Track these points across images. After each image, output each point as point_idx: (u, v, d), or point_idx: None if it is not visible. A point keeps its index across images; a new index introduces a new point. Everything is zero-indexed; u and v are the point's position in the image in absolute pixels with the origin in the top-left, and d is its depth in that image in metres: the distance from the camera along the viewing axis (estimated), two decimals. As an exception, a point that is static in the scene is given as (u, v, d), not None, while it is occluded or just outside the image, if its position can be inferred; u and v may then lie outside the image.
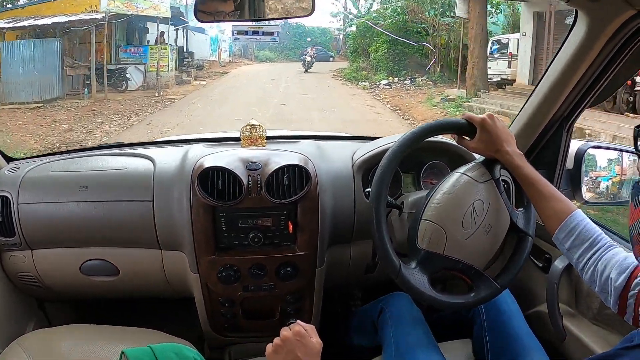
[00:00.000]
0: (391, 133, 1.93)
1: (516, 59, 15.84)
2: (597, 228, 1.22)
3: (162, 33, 17.99)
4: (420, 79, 18.63)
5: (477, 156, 1.73)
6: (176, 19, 19.08)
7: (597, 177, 1.88)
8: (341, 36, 31.10)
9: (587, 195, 1.83)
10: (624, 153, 1.85)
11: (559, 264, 1.58)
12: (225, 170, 1.60)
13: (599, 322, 1.49)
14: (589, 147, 1.82)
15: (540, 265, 1.68)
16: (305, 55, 23.97)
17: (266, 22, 1.58)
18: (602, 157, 1.88)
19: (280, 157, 1.67)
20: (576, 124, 1.75)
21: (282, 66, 27.02)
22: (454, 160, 1.78)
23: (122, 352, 1.25)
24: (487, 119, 1.36)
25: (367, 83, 19.19)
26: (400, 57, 20.01)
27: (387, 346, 1.50)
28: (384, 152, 1.43)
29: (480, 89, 14.39)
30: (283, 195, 1.60)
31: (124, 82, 16.09)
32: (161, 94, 15.84)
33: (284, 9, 1.50)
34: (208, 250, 1.64)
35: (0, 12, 15.66)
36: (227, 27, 25.92)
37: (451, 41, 18.60)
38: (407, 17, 19.96)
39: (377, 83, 18.78)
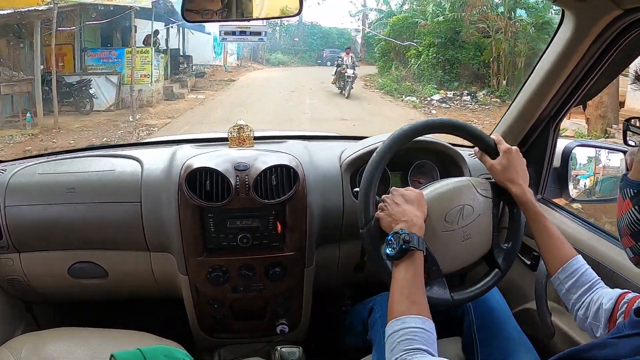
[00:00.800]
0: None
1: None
2: (594, 273, 1.27)
3: (157, 32, 15.04)
4: (480, 94, 14.86)
5: (470, 163, 1.74)
6: (167, 15, 15.43)
7: (577, 175, 1.90)
8: (359, 38, 28.47)
9: (573, 192, 1.85)
10: (601, 150, 1.87)
11: None
12: (213, 171, 1.59)
13: None
14: (576, 146, 1.84)
15: (529, 263, 1.69)
16: (341, 63, 16.48)
17: (254, 22, 1.57)
18: (582, 155, 1.90)
19: (268, 157, 1.67)
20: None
21: (299, 72, 23.49)
22: (443, 161, 1.79)
23: (112, 355, 1.25)
24: (514, 149, 1.39)
25: (414, 98, 15.26)
26: (451, 64, 16.20)
27: (378, 345, 1.50)
28: (371, 151, 1.43)
29: (611, 124, 9.90)
30: (271, 195, 1.60)
31: (88, 101, 11.97)
32: (137, 117, 11.75)
33: (271, 9, 1.50)
34: (196, 251, 1.64)
35: None
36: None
37: (516, 46, 14.67)
38: (456, 14, 15.78)
39: (429, 98, 14.95)
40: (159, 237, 1.68)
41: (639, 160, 0.94)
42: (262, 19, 1.50)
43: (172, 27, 16.75)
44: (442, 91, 15.26)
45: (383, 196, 1.31)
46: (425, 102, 14.78)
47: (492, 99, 14.30)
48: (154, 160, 1.75)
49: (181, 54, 18.17)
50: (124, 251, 1.73)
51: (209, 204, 1.58)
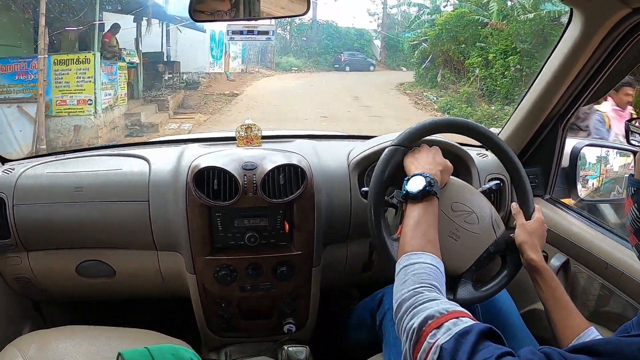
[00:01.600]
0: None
1: None
2: None
3: (116, 27, 10.28)
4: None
5: (478, 163, 1.73)
6: (144, 5, 11.57)
7: (585, 175, 1.90)
8: (378, 43, 25.45)
9: (582, 192, 1.85)
10: (610, 150, 1.87)
11: (555, 261, 1.58)
12: (221, 170, 1.59)
13: (595, 320, 1.50)
14: (584, 146, 1.84)
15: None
16: None
17: (261, 21, 1.57)
18: (590, 155, 1.90)
19: (275, 156, 1.67)
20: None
21: (318, 80, 19.33)
22: (451, 160, 1.78)
23: (119, 354, 1.25)
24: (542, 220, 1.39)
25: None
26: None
27: (388, 336, 1.50)
28: (379, 151, 1.43)
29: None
30: (279, 194, 1.60)
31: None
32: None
33: (279, 8, 1.50)
34: (204, 250, 1.64)
35: None
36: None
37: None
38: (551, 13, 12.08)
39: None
40: (166, 236, 1.68)
41: (639, 159, 0.94)
42: (269, 18, 1.50)
43: (148, 22, 11.86)
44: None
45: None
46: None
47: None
48: (162, 160, 1.75)
49: (164, 59, 13.78)
50: (132, 250, 1.74)
51: (217, 203, 1.58)
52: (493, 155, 1.57)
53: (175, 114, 11.94)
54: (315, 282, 1.77)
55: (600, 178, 1.93)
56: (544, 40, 12.11)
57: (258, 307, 1.82)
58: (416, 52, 17.60)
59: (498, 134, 1.76)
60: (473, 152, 1.82)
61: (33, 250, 1.75)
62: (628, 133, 1.26)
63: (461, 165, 1.76)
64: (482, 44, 14.04)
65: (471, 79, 14.00)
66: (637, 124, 1.25)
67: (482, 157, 1.85)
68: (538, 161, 1.81)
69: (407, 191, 1.23)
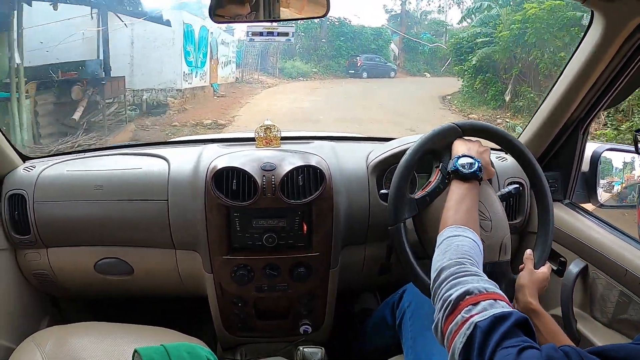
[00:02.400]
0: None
1: None
2: None
3: None
4: None
5: (497, 166, 1.72)
6: None
7: (611, 182, 1.87)
8: (395, 48, 21.80)
9: (602, 198, 1.82)
10: (635, 156, 1.84)
11: (573, 267, 1.56)
12: (240, 170, 1.60)
13: (613, 328, 1.48)
14: (605, 150, 1.81)
15: (555, 268, 1.66)
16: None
17: (281, 22, 1.58)
18: (617, 161, 1.87)
19: (295, 157, 1.67)
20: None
21: (336, 93, 15.92)
22: None
23: (135, 351, 1.26)
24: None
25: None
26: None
27: (406, 334, 1.50)
28: (398, 153, 1.43)
29: None
30: (297, 195, 1.60)
31: None
32: None
33: (299, 9, 1.51)
34: (222, 250, 1.65)
35: None
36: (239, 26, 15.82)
37: None
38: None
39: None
40: (185, 235, 1.69)
41: None
42: (289, 19, 1.51)
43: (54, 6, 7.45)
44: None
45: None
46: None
47: None
48: (181, 159, 1.77)
49: (97, 72, 8.80)
50: (150, 248, 1.76)
51: (235, 204, 1.59)
52: (512, 158, 1.56)
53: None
54: (332, 283, 1.77)
55: (623, 184, 1.90)
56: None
57: (274, 308, 1.82)
58: (473, 57, 13.43)
59: (518, 137, 1.75)
60: (492, 156, 1.81)
61: (52, 247, 1.78)
62: (637, 143, 1.25)
63: None
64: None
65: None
66: None
67: (501, 161, 1.84)
68: (558, 165, 1.79)
69: (457, 168, 1.27)
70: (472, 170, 1.26)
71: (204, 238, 1.65)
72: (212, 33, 13.79)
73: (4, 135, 1.72)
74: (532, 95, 11.58)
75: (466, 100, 14.08)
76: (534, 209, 1.75)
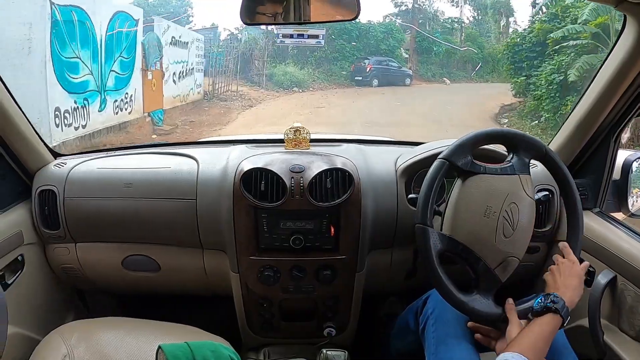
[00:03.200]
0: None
1: None
2: None
3: None
4: None
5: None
6: None
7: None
8: (408, 52, 18.00)
9: (633, 207, 1.79)
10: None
11: (602, 278, 1.54)
12: (269, 171, 1.60)
13: None
14: (637, 158, 1.78)
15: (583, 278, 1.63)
16: None
17: (311, 25, 1.58)
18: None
19: (323, 160, 1.67)
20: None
21: (346, 111, 12.54)
22: None
23: (159, 347, 1.27)
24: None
25: None
26: None
27: (428, 341, 1.49)
28: (428, 158, 1.42)
29: None
30: (326, 198, 1.60)
31: None
32: None
33: (329, 12, 1.51)
34: (249, 250, 1.66)
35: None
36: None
37: None
38: None
39: None
40: (212, 235, 1.70)
41: None
42: (319, 22, 1.51)
43: None
44: None
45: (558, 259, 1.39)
46: None
47: None
48: (211, 159, 1.78)
49: None
50: (178, 247, 1.77)
51: (263, 205, 1.59)
52: (542, 166, 1.53)
53: None
54: (358, 287, 1.77)
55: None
56: None
57: (299, 309, 1.83)
58: (571, 68, 9.60)
59: (548, 144, 1.72)
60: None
61: (81, 242, 1.80)
62: None
63: None
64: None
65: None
66: None
67: (531, 167, 1.81)
68: (588, 173, 1.76)
69: (535, 307, 1.29)
70: (543, 305, 1.28)
71: (232, 238, 1.66)
72: (153, 26, 9.08)
73: (36, 132, 1.76)
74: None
75: (545, 129, 9.88)
76: (563, 216, 1.72)
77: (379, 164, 1.77)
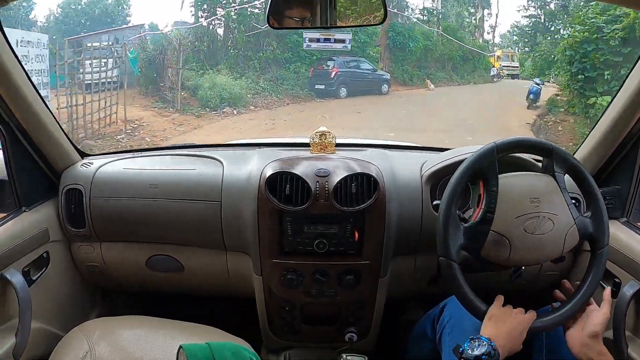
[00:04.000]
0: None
1: None
2: None
3: None
4: None
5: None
6: None
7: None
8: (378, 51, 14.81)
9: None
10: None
11: (628, 289, 1.51)
12: (294, 175, 1.61)
13: None
14: (667, 167, 1.73)
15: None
16: None
17: (338, 29, 1.59)
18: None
19: (349, 164, 1.67)
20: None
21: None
22: None
23: (180, 347, 1.28)
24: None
25: None
26: None
27: (445, 349, 1.49)
28: (454, 164, 1.40)
29: None
30: (350, 203, 1.60)
31: None
32: None
33: (356, 17, 1.51)
34: (272, 253, 1.66)
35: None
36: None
37: None
38: None
39: None
40: (236, 238, 1.71)
41: None
42: (346, 27, 1.51)
43: None
44: None
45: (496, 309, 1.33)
46: None
47: None
48: (236, 162, 1.79)
49: None
50: (201, 248, 1.79)
51: (288, 208, 1.59)
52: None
53: None
54: (381, 292, 1.76)
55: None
56: None
57: (321, 313, 1.82)
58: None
59: (574, 153, 1.70)
60: None
61: (106, 241, 1.83)
62: None
63: None
64: None
65: None
66: None
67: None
68: (615, 182, 1.73)
69: (464, 350, 1.24)
70: (477, 355, 1.21)
71: (255, 241, 1.67)
72: None
73: (64, 132, 1.78)
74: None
75: None
76: None
77: (404, 170, 1.76)
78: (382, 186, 1.62)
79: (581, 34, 10.53)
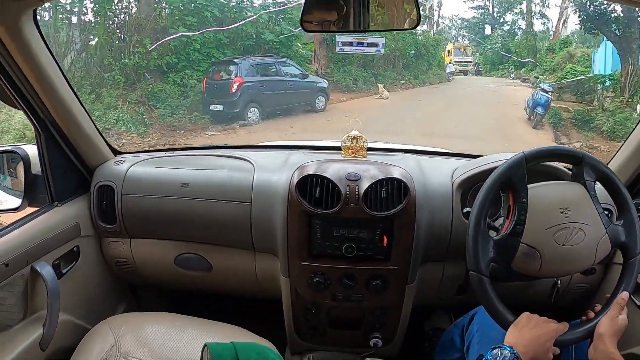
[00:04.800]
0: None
1: None
2: None
3: None
4: None
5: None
6: None
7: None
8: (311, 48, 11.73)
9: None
10: None
11: None
12: (325, 178, 1.61)
13: None
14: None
15: (639, 303, 1.56)
16: None
17: (371, 33, 1.58)
18: None
19: (380, 169, 1.66)
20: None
21: None
22: None
23: (205, 345, 1.29)
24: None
25: None
26: None
27: (472, 357, 1.47)
28: (486, 171, 1.38)
29: None
30: (380, 208, 1.59)
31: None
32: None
33: (389, 21, 1.50)
34: (301, 255, 1.66)
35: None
36: None
37: None
38: None
39: None
40: (265, 239, 1.72)
41: None
42: (379, 30, 1.51)
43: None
44: None
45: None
46: None
47: None
48: (267, 164, 1.80)
49: None
50: (230, 248, 1.80)
51: (318, 211, 1.59)
52: (600, 185, 1.48)
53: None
54: (408, 299, 1.75)
55: None
56: None
57: (347, 317, 1.82)
58: None
59: (607, 164, 1.66)
60: None
61: (136, 238, 1.86)
62: None
63: None
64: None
65: None
66: None
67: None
68: None
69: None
70: None
71: (284, 243, 1.67)
72: None
73: (98, 130, 1.82)
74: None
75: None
76: None
77: (435, 176, 1.74)
78: (412, 192, 1.61)
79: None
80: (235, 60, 9.11)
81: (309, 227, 1.63)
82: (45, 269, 1.55)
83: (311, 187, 1.61)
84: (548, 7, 17.03)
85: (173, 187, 1.77)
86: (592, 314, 1.35)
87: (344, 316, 1.81)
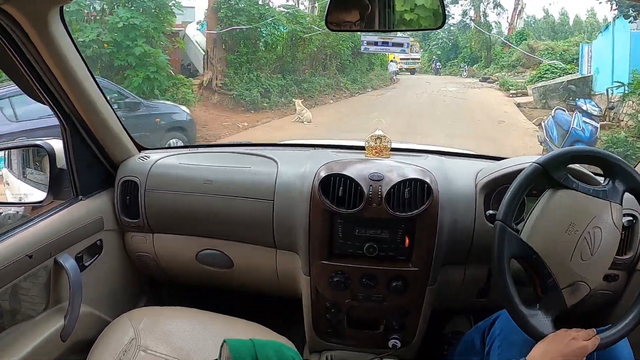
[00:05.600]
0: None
1: None
2: None
3: None
4: None
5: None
6: None
7: None
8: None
9: None
10: None
11: None
12: (348, 178, 1.60)
13: None
14: None
15: None
16: None
17: (395, 33, 1.58)
18: None
19: (403, 169, 1.66)
20: None
21: None
22: None
23: (224, 341, 1.29)
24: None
25: None
26: None
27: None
28: (510, 174, 1.36)
29: None
30: (403, 208, 1.58)
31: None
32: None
33: (414, 21, 1.50)
34: (322, 254, 1.66)
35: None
36: None
37: None
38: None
39: None
40: (287, 237, 1.72)
41: None
42: (403, 30, 1.50)
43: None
44: None
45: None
46: None
47: None
48: (290, 162, 1.80)
49: None
50: (252, 245, 1.80)
51: (340, 210, 1.59)
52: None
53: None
54: (428, 301, 1.74)
55: None
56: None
57: (366, 318, 1.81)
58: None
59: (635, 167, 1.63)
60: None
61: (158, 233, 1.88)
62: None
63: None
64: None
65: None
66: None
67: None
68: None
69: None
70: None
71: (306, 241, 1.67)
72: None
73: (123, 126, 1.84)
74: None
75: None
76: None
77: (458, 177, 1.73)
78: (435, 193, 1.60)
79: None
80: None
81: (331, 226, 1.63)
82: (68, 262, 1.57)
83: (334, 186, 1.60)
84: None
85: (196, 184, 1.79)
86: None
87: (363, 316, 1.80)
